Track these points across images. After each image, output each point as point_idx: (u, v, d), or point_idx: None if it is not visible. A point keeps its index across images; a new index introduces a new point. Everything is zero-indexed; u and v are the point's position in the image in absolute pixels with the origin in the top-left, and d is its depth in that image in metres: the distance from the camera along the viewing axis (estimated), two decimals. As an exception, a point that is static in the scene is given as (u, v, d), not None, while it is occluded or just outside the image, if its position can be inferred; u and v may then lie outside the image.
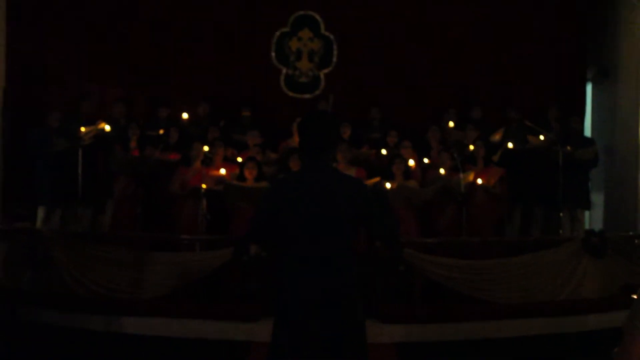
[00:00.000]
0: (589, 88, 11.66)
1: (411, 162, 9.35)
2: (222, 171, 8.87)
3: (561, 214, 9.56)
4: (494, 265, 7.92)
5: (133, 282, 7.75)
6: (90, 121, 9.50)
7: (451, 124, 10.29)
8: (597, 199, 11.02)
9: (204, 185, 8.56)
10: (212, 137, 9.72)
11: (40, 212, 9.37)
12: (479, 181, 9.11)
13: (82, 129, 9.25)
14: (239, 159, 9.37)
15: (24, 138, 9.55)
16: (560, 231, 9.52)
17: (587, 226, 10.28)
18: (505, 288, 7.79)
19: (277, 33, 11.39)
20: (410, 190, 8.89)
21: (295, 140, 9.87)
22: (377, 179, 8.75)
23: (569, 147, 9.54)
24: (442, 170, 9.27)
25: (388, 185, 8.63)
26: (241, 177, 8.78)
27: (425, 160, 9.74)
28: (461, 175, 8.96)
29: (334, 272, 4.03)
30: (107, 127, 9.33)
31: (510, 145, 9.70)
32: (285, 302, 4.07)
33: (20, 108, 10.33)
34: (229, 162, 9.41)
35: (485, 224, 9.11)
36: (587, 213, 10.55)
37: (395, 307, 7.76)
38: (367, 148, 10.09)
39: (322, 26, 11.42)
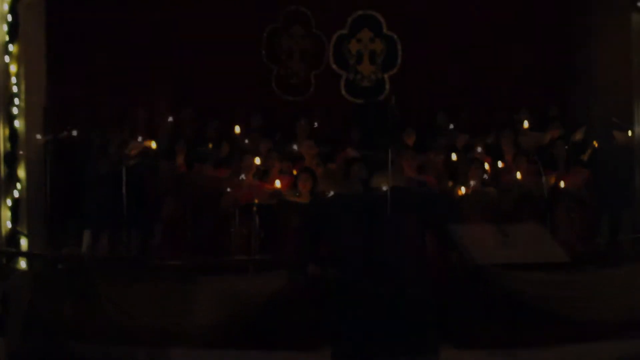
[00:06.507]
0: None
1: (486, 166, 8.73)
2: (277, 184, 8.34)
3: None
4: (585, 280, 7.08)
5: (182, 311, 7.10)
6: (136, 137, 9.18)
7: (526, 124, 9.66)
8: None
9: (256, 200, 8.00)
10: (265, 150, 9.17)
11: (86, 237, 8.96)
12: (562, 184, 8.46)
13: (129, 148, 8.95)
14: (295, 172, 8.79)
15: (70, 158, 9.21)
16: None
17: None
18: (600, 305, 6.91)
19: (335, 36, 10.88)
20: (489, 197, 8.29)
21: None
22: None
23: None
24: (518, 175, 8.59)
25: (463, 190, 8.08)
26: (296, 190, 8.27)
27: (499, 164, 9.10)
28: (543, 179, 8.27)
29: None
30: (153, 144, 8.89)
31: (595, 144, 9.05)
32: None
33: (63, 127, 9.79)
34: (284, 174, 8.83)
35: (572, 232, 8.34)
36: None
37: (474, 330, 6.97)
38: (434, 154, 9.39)
39: (384, 25, 10.88)
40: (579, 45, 10.71)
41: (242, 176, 8.40)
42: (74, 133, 8.76)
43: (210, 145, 9.43)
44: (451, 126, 9.74)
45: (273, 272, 7.23)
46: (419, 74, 10.75)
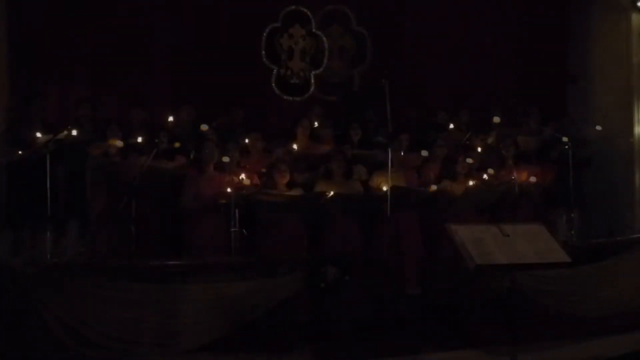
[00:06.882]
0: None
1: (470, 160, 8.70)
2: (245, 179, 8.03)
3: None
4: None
5: (159, 315, 6.72)
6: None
7: (496, 119, 9.56)
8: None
9: (223, 200, 7.71)
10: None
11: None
12: (533, 179, 8.55)
13: (92, 147, 8.51)
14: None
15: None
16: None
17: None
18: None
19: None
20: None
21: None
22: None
23: None
24: (490, 171, 8.66)
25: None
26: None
27: (469, 161, 8.91)
28: (514, 174, 8.42)
29: None
30: (119, 143, 8.44)
31: (564, 139, 8.95)
32: None
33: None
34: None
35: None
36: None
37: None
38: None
39: (354, 21, 10.78)
40: (579, 45, 10.77)
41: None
42: (74, 132, 8.25)
43: (178, 144, 8.97)
44: (451, 126, 9.57)
45: (253, 273, 6.96)
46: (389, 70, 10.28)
